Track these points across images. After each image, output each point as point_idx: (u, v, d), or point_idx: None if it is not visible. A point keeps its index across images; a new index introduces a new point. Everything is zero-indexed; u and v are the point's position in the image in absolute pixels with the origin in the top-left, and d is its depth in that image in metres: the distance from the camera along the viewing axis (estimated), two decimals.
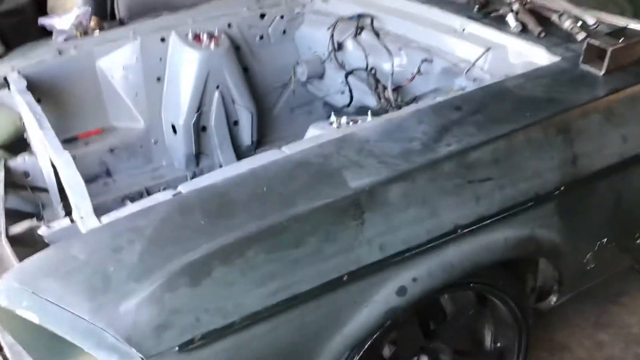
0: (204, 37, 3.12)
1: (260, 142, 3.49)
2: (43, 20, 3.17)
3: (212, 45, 3.08)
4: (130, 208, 1.71)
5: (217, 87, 3.14)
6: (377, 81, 2.84)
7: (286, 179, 1.68)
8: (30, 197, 2.89)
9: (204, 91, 3.12)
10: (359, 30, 2.97)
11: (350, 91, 3.13)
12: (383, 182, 1.65)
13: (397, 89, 2.77)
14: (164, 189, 3.25)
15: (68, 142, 3.09)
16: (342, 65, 3.09)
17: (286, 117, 3.56)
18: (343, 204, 1.58)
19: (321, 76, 3.37)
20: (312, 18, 3.38)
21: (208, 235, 1.50)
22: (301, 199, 1.59)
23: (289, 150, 1.86)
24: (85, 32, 3.18)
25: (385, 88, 2.80)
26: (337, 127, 2.09)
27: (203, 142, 3.25)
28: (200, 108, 3.14)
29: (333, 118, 2.20)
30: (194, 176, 3.27)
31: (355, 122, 2.10)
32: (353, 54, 3.06)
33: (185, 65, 3.10)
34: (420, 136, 1.82)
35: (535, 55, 2.26)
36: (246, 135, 3.35)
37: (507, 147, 1.81)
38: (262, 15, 3.38)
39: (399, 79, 2.80)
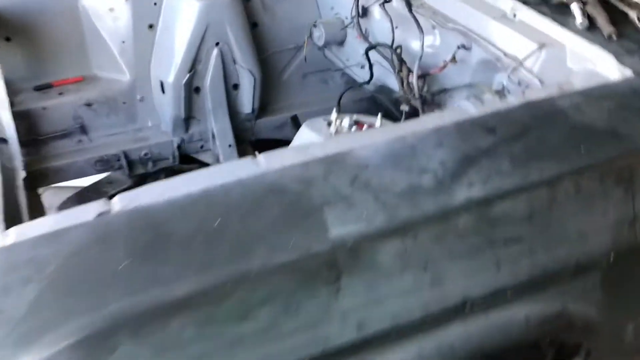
0: None
1: (264, 109, 3.05)
2: None
3: None
4: (50, 221, 1.32)
5: (217, 43, 2.69)
6: (402, 62, 2.35)
7: (249, 211, 1.27)
8: None
9: (201, 47, 2.67)
10: None
11: (371, 68, 2.65)
12: (374, 235, 1.23)
13: (424, 76, 2.29)
14: (145, 155, 2.93)
15: (40, 89, 2.70)
16: (365, 36, 2.61)
17: (297, 84, 3.11)
18: (315, 262, 1.18)
19: (341, 43, 2.89)
20: None
21: (124, 289, 1.11)
22: (261, 247, 1.19)
23: (265, 162, 1.44)
24: None
25: (410, 72, 2.33)
26: (335, 132, 1.66)
27: (195, 105, 2.83)
28: (194, 66, 2.70)
29: (334, 115, 1.76)
30: (181, 144, 2.88)
31: (360, 127, 1.66)
32: (379, 23, 2.57)
33: (182, 15, 2.65)
34: (436, 167, 1.38)
35: (601, 64, 1.77)
36: (246, 101, 2.91)
37: (548, 197, 1.36)
38: None
39: (427, 63, 2.32)
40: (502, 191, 1.33)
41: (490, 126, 1.52)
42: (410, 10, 2.31)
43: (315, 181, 1.35)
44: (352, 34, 2.78)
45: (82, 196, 2.65)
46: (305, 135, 1.72)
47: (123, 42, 2.72)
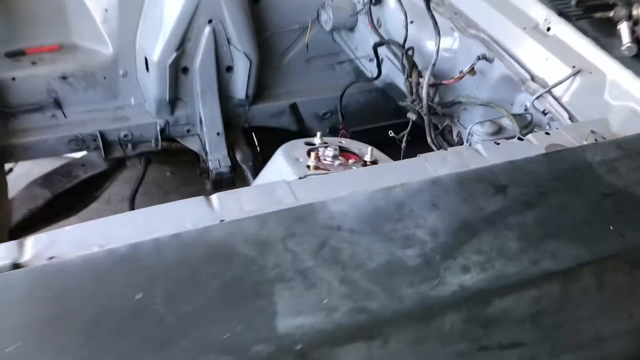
0: None
1: (261, 94, 2.76)
2: None
3: None
4: None
5: (210, 21, 2.39)
6: (413, 66, 2.04)
7: (181, 284, 1.02)
8: None
9: (191, 24, 2.37)
10: None
11: (379, 64, 2.34)
12: (334, 334, 0.96)
13: (436, 85, 1.99)
14: (125, 136, 2.67)
15: (11, 56, 2.43)
16: (376, 26, 2.29)
17: (299, 69, 2.80)
18: None
19: (351, 29, 2.57)
20: None
21: None
22: (185, 340, 0.93)
23: (219, 206, 1.18)
24: None
25: (420, 76, 2.02)
26: (314, 165, 1.38)
27: (182, 87, 2.54)
28: (182, 45, 2.41)
29: (317, 140, 1.48)
30: (165, 127, 2.61)
31: (346, 158, 1.38)
32: (393, 15, 2.25)
33: None
34: (425, 238, 1.11)
35: None
36: (240, 86, 2.62)
37: (561, 292, 1.09)
38: None
39: (442, 69, 2.01)
40: (504, 282, 1.05)
41: (501, 182, 1.23)
42: (428, 6, 1.98)
43: (272, 245, 1.08)
44: (363, 21, 2.46)
45: (51, 178, 2.41)
46: (278, 165, 1.44)
47: (106, 10, 2.42)
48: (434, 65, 1.92)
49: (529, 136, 1.45)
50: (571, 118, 1.57)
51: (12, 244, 1.11)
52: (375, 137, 2.41)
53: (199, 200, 1.20)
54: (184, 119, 2.63)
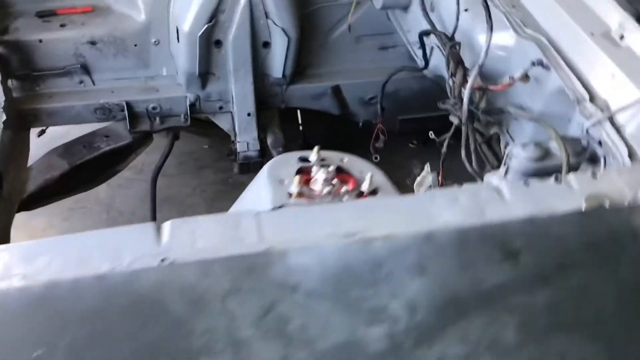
0: None
1: (302, 73, 2.54)
2: None
3: None
4: None
5: None
6: (459, 63, 1.76)
7: (88, 346, 0.85)
8: None
9: None
10: None
11: (425, 54, 2.06)
12: None
13: (482, 89, 1.70)
14: (153, 108, 2.53)
15: (42, 16, 2.32)
16: (426, 10, 2.00)
17: (347, 47, 2.55)
18: None
19: (405, 8, 2.29)
20: None
21: None
22: None
23: (168, 237, 1.01)
24: None
25: (465, 75, 1.74)
26: (295, 195, 1.17)
27: (214, 61, 2.36)
28: (215, 16, 2.22)
29: (313, 156, 1.27)
30: (196, 101, 2.45)
31: (336, 193, 1.16)
32: (443, 1, 1.96)
33: None
34: (399, 313, 0.89)
35: None
36: (277, 64, 2.41)
37: None
38: None
39: (493, 69, 1.72)
40: None
41: (514, 246, 0.99)
42: None
43: (209, 302, 0.90)
44: (417, 3, 2.17)
45: (72, 148, 2.32)
46: (260, 186, 1.24)
47: None
48: (481, 66, 1.65)
49: (570, 177, 1.17)
50: (632, 155, 1.27)
51: None
52: (425, 128, 2.18)
53: (146, 228, 1.02)
54: (215, 95, 2.46)
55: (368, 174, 1.20)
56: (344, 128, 2.75)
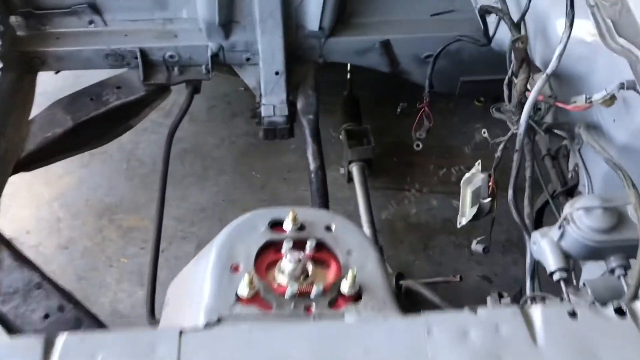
0: None
1: (345, 22, 2.13)
2: None
3: None
4: None
5: None
6: (523, 61, 1.33)
7: None
8: None
9: None
10: None
11: (487, 32, 1.62)
12: None
13: (549, 102, 1.29)
14: (171, 57, 2.20)
15: None
16: None
17: None
18: None
19: None
20: None
21: None
22: None
23: (57, 356, 0.76)
24: None
25: (529, 77, 1.32)
26: (244, 300, 0.87)
27: (238, 8, 2.00)
28: None
29: (289, 223, 0.95)
30: (219, 51, 2.12)
31: (306, 296, 0.86)
32: None
33: None
34: None
35: None
36: (312, 14, 2.02)
37: None
38: None
39: (568, 74, 1.29)
40: None
41: None
42: None
43: None
44: None
45: (78, 101, 2.07)
46: (209, 266, 0.91)
47: None
48: (549, 75, 1.23)
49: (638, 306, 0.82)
50: None
51: None
52: (491, 90, 1.78)
53: (32, 345, 0.77)
54: (241, 45, 2.11)
55: (350, 272, 0.88)
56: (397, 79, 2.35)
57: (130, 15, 2.10)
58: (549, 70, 1.20)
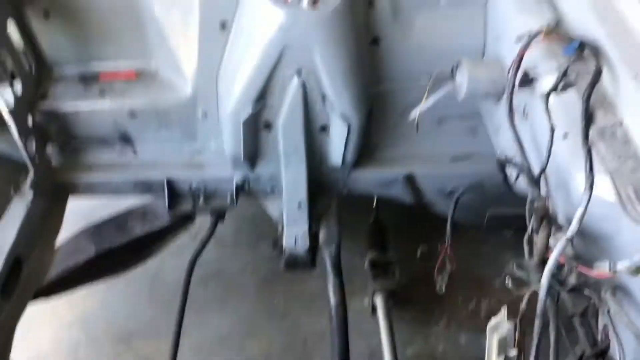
0: None
1: (370, 156, 2.15)
2: None
3: (308, 1, 1.70)
4: None
5: (299, 72, 1.82)
6: (543, 219, 1.29)
7: None
8: None
9: (274, 74, 1.83)
10: (562, 84, 1.33)
11: (507, 180, 1.59)
12: None
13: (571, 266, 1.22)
14: (197, 187, 2.24)
15: (84, 80, 2.12)
16: (512, 119, 1.53)
17: (427, 128, 2.09)
18: None
19: (498, 99, 1.81)
20: None
21: None
22: None
23: None
24: None
25: (550, 235, 1.27)
26: None
27: (264, 143, 2.04)
28: (262, 97, 1.88)
29: None
30: (244, 183, 2.15)
31: None
32: (539, 115, 1.46)
33: (257, 23, 1.80)
34: None
35: None
36: (336, 150, 2.04)
37: None
38: None
39: (592, 235, 1.24)
40: None
41: None
42: (586, 137, 1.20)
43: None
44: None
45: (103, 230, 2.11)
46: None
47: (186, 38, 1.97)
48: (571, 237, 1.17)
49: None
50: None
51: None
52: (519, 224, 1.73)
53: None
54: (267, 176, 2.14)
55: None
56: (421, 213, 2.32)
57: (160, 146, 2.16)
58: (569, 233, 1.15)
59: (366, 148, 2.12)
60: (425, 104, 1.90)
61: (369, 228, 2.55)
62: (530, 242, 1.33)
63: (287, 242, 2.10)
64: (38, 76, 2.08)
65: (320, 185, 2.15)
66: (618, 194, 1.11)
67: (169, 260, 2.61)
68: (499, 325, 1.66)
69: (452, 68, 1.84)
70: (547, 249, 1.27)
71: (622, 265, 1.09)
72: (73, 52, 2.09)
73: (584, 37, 1.37)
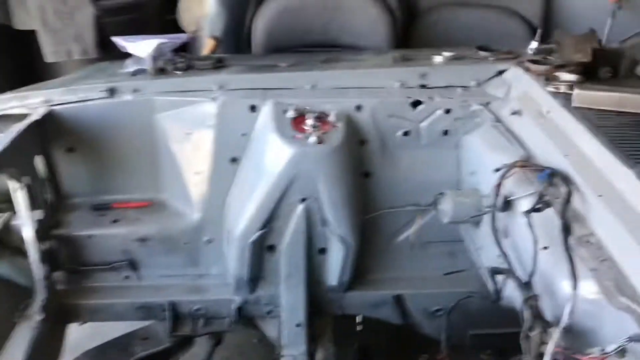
0: (309, 121, 2.04)
1: (361, 278, 2.32)
2: (117, 40, 2.34)
3: (314, 138, 1.98)
4: None
5: (303, 200, 2.05)
6: (536, 317, 1.49)
7: None
8: (26, 268, 2.16)
9: (281, 202, 2.05)
10: (540, 205, 1.62)
11: (497, 290, 1.81)
12: None
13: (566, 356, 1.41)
14: (197, 310, 2.36)
15: (97, 209, 2.28)
16: (498, 238, 1.79)
17: (412, 254, 2.32)
18: None
19: (477, 224, 2.08)
20: (494, 131, 2.08)
21: None
22: None
23: None
24: (163, 70, 2.29)
25: (544, 332, 1.46)
26: None
27: (266, 265, 2.21)
28: (269, 223, 2.09)
29: None
30: (243, 305, 2.28)
31: None
32: (519, 232, 1.73)
33: (267, 158, 2.06)
34: None
35: None
36: (333, 271, 2.22)
37: None
38: (416, 104, 2.16)
39: (581, 329, 1.44)
40: None
41: None
42: (566, 246, 1.46)
43: None
44: (488, 224, 1.95)
45: (106, 352, 2.17)
46: None
47: (198, 173, 2.20)
48: (562, 329, 1.37)
49: None
50: None
51: None
52: (500, 344, 1.88)
53: None
54: (266, 299, 2.28)
55: None
56: (405, 333, 2.47)
57: (164, 271, 2.30)
58: (561, 324, 1.35)
59: (358, 271, 2.31)
60: (414, 228, 2.17)
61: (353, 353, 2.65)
62: (526, 341, 1.51)
63: None
64: (53, 205, 2.24)
65: (317, 306, 2.29)
66: (601, 287, 1.34)
67: None
68: None
69: (434, 199, 2.13)
70: (542, 343, 1.45)
71: (609, 349, 1.29)
72: (90, 184, 2.28)
73: (553, 168, 1.67)
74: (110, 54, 2.74)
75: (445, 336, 2.03)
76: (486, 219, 1.99)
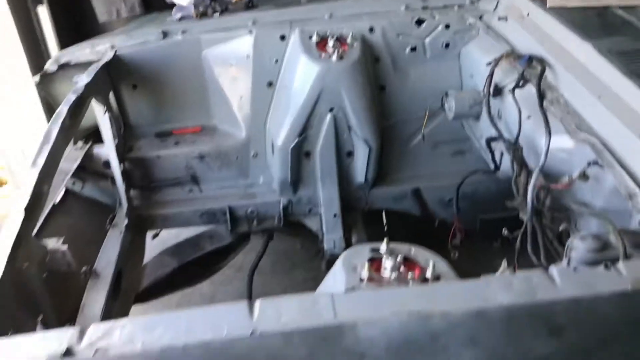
0: (330, 43, 2.46)
1: (383, 178, 2.77)
2: None
3: (335, 56, 2.41)
4: None
5: (331, 109, 2.48)
6: (523, 166, 1.93)
7: None
8: (108, 189, 2.62)
9: (313, 112, 2.48)
10: (522, 81, 2.04)
11: (494, 159, 2.24)
12: None
13: (547, 188, 1.84)
14: (251, 212, 2.82)
15: (159, 136, 2.74)
16: (493, 120, 2.20)
17: (425, 153, 2.77)
18: None
19: (477, 117, 2.50)
20: (487, 37, 2.49)
21: None
22: None
23: (258, 312, 1.21)
24: (204, 14, 2.72)
25: (528, 177, 1.89)
26: (366, 280, 1.35)
27: (304, 169, 2.65)
28: (304, 131, 2.53)
29: (383, 248, 1.45)
30: (288, 206, 2.73)
31: (404, 279, 1.34)
32: (511, 108, 2.15)
33: (298, 76, 2.48)
34: None
35: None
36: (359, 170, 2.66)
37: None
38: (420, 22, 2.57)
39: (555, 170, 1.86)
40: None
41: (558, 323, 1.10)
42: (541, 105, 1.87)
43: None
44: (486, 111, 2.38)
45: (180, 248, 2.64)
46: (336, 272, 1.43)
47: (241, 97, 2.64)
48: (541, 167, 1.80)
49: (620, 265, 1.28)
50: None
51: (74, 330, 1.23)
52: (507, 228, 2.31)
53: (241, 306, 1.23)
54: (305, 199, 2.73)
55: (431, 261, 1.37)
56: (426, 228, 2.91)
57: (221, 183, 2.75)
58: (540, 163, 1.78)
59: (381, 173, 2.75)
60: (424, 122, 2.61)
61: None
62: (517, 183, 1.94)
63: (327, 245, 2.66)
64: (125, 135, 2.70)
65: (348, 203, 2.74)
66: (566, 129, 1.77)
67: (220, 288, 3.10)
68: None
69: (441, 99, 2.56)
70: (527, 183, 1.88)
71: (575, 174, 1.71)
72: (152, 115, 2.73)
73: (532, 54, 2.08)
74: (152, 11, 3.17)
75: (455, 205, 2.46)
76: (484, 112, 2.42)
